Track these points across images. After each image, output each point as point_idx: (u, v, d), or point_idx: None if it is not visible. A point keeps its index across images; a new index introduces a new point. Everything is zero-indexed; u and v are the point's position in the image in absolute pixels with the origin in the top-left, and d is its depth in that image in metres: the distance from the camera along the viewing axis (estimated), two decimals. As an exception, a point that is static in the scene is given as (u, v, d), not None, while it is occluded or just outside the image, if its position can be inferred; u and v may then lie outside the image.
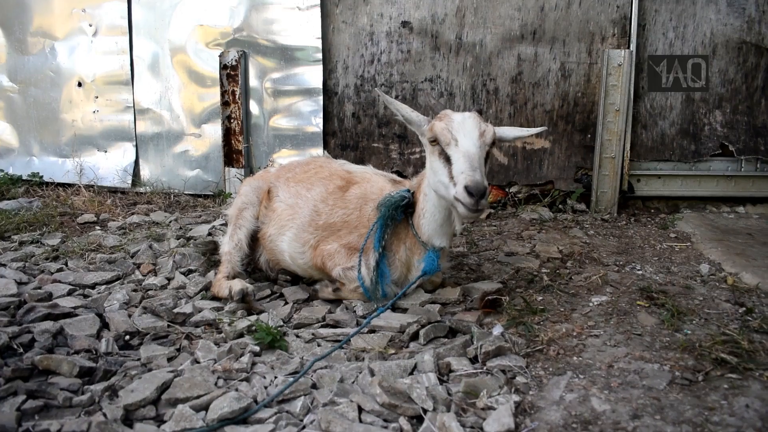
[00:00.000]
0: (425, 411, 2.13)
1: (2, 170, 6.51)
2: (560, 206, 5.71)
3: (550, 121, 5.66)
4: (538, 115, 5.66)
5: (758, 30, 5.42)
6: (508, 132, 3.21)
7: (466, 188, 2.66)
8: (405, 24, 5.67)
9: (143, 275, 3.79)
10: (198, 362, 2.59)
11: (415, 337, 2.85)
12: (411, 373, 2.45)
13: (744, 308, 3.07)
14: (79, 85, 6.42)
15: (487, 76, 5.66)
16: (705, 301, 3.22)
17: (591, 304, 3.19)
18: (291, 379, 2.35)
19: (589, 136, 5.63)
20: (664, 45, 5.50)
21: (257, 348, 2.70)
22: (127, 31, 6.20)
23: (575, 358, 2.57)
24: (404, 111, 3.18)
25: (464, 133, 2.85)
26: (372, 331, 2.89)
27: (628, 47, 5.42)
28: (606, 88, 5.36)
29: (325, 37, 5.80)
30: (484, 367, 2.49)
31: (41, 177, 6.45)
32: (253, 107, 6.05)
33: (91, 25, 6.29)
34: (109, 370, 2.49)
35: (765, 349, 2.55)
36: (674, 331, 2.78)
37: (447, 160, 2.84)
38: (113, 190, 6.30)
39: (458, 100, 5.70)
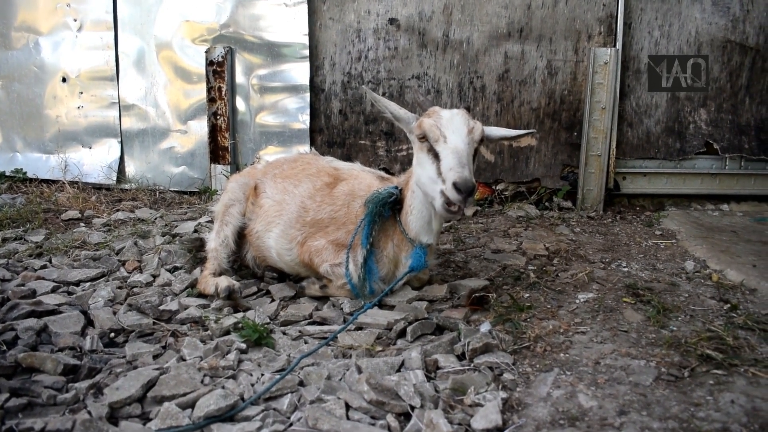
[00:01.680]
0: (413, 408, 2.13)
1: (-15, 166, 6.43)
2: (546, 204, 5.73)
3: (536, 119, 5.67)
4: (525, 112, 5.67)
5: (742, 29, 5.46)
6: (495, 132, 3.21)
7: (455, 185, 2.65)
8: (392, 21, 5.66)
9: (128, 272, 3.76)
10: (184, 360, 2.56)
11: (402, 334, 2.84)
12: (398, 371, 2.44)
13: (729, 305, 3.09)
14: (64, 80, 6.36)
15: (474, 73, 5.66)
16: (690, 298, 3.24)
17: (577, 301, 3.20)
18: (278, 377, 2.33)
19: (575, 134, 5.65)
20: (650, 44, 5.53)
21: (244, 345, 2.68)
22: (112, 27, 6.14)
23: (562, 354, 2.57)
24: (392, 108, 3.17)
25: (453, 130, 2.84)
26: (359, 328, 2.88)
27: (615, 45, 5.44)
28: (592, 86, 5.38)
29: (312, 34, 5.77)
30: (472, 364, 2.49)
31: (25, 173, 6.39)
32: (240, 104, 6.02)
33: (75, 20, 6.23)
34: (94, 368, 2.47)
35: (750, 345, 2.58)
36: (660, 328, 2.80)
37: (435, 156, 2.84)
38: (98, 187, 6.25)
39: (445, 97, 5.70)
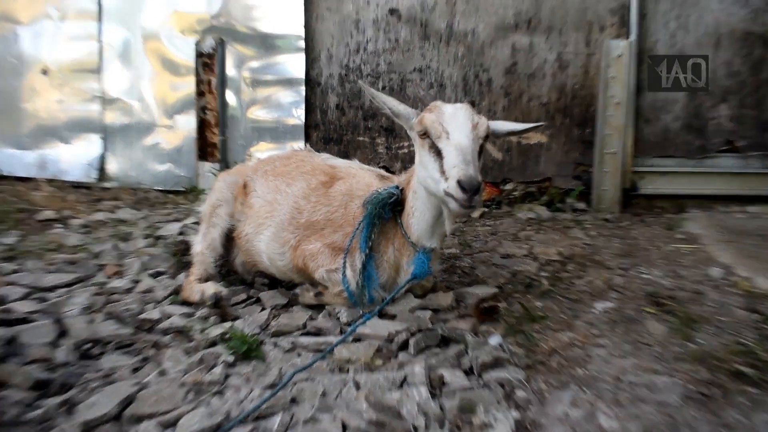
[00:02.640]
0: (416, 428, 2.08)
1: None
2: (559, 205, 5.72)
3: (546, 115, 5.69)
4: (534, 108, 5.69)
5: (764, 20, 5.45)
6: (501, 126, 3.12)
7: (459, 183, 2.55)
8: (392, 11, 5.68)
9: (107, 277, 3.68)
10: (165, 374, 2.50)
11: (404, 346, 2.75)
12: (400, 387, 2.38)
13: (759, 315, 2.97)
14: (44, 72, 6.36)
15: (480, 66, 5.68)
16: (717, 308, 3.13)
17: (595, 311, 3.11)
18: (268, 393, 2.28)
19: (588, 130, 5.65)
20: (666, 35, 5.53)
21: (231, 358, 2.61)
22: (96, 16, 6.15)
23: (579, 369, 2.48)
24: (391, 103, 3.08)
25: (456, 125, 2.75)
26: (357, 339, 2.79)
27: (628, 37, 5.43)
28: (605, 80, 5.37)
29: (308, 25, 5.78)
30: (481, 380, 2.43)
31: (-1, 170, 6.37)
32: (230, 98, 6.04)
33: (57, 10, 6.24)
34: (67, 383, 2.39)
35: (784, 360, 2.48)
36: (686, 341, 2.69)
37: (438, 154, 2.75)
38: (77, 185, 6.25)
39: (449, 91, 5.72)
